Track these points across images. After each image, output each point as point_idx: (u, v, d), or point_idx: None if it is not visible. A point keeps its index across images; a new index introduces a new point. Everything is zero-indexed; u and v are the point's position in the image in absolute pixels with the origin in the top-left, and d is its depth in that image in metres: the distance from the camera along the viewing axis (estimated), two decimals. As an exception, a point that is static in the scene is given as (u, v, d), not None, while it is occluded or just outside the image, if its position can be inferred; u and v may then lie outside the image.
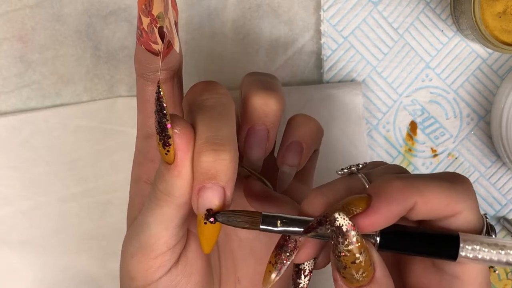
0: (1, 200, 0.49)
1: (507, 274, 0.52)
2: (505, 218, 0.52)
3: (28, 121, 0.48)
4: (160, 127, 0.29)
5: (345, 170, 0.32)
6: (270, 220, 0.30)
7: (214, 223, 0.30)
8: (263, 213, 0.30)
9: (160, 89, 0.28)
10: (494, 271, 0.52)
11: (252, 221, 0.30)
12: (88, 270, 0.50)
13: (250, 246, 0.37)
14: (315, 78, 0.50)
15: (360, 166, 0.32)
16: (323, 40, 0.49)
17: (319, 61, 0.50)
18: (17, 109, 0.49)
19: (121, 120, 0.49)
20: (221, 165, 0.29)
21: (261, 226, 0.30)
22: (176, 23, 0.31)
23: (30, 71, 0.49)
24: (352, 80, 0.50)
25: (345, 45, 0.49)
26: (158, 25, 0.31)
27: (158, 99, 0.28)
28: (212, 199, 0.29)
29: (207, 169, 0.29)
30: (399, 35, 0.49)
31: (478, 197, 0.51)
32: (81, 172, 0.49)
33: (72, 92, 0.49)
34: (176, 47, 0.29)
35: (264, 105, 0.35)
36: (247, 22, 0.49)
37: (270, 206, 0.35)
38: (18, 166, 0.49)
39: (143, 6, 0.31)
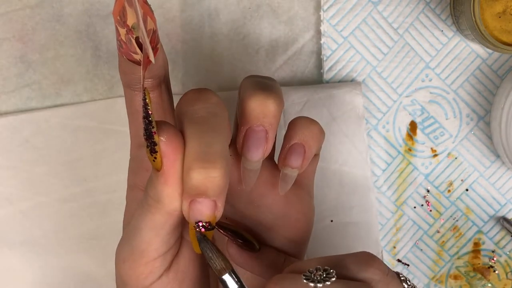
0: (1, 200, 0.49)
1: (506, 274, 0.52)
2: (504, 218, 0.52)
3: (28, 121, 0.48)
4: (146, 134, 0.29)
5: (306, 281, 0.31)
6: (233, 279, 0.31)
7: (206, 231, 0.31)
8: (231, 269, 0.31)
9: (145, 96, 0.28)
10: (494, 271, 0.52)
11: (220, 268, 0.31)
12: (88, 270, 0.50)
13: (247, 257, 0.37)
14: (315, 78, 0.50)
15: (326, 275, 0.31)
16: (323, 40, 0.49)
17: (319, 61, 0.50)
18: (17, 109, 0.49)
19: (121, 120, 0.49)
20: (211, 182, 0.29)
21: (222, 277, 0.31)
22: (155, 31, 0.31)
23: (30, 71, 0.49)
24: (352, 80, 0.50)
25: (345, 45, 0.49)
26: (134, 36, 0.31)
27: (144, 106, 0.29)
28: (203, 212, 0.30)
29: (197, 186, 0.29)
30: (399, 35, 0.49)
31: (478, 197, 0.52)
32: (81, 172, 0.49)
33: (72, 92, 0.49)
34: (152, 59, 0.29)
35: (262, 106, 0.34)
36: (247, 22, 0.49)
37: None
38: (18, 166, 0.49)
39: (118, 17, 0.31)
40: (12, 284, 0.50)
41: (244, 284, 0.32)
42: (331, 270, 0.31)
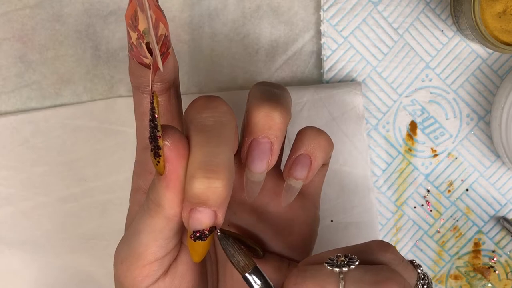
0: (1, 200, 0.49)
1: (507, 274, 0.52)
2: (504, 218, 0.52)
3: (28, 121, 0.48)
4: (151, 137, 0.29)
5: (330, 267, 0.31)
6: (256, 276, 0.31)
7: (205, 241, 0.30)
8: (255, 266, 0.31)
9: (153, 100, 0.28)
10: (494, 271, 0.52)
11: (243, 265, 0.31)
12: (88, 270, 0.50)
13: None
14: (315, 78, 0.50)
15: (348, 260, 0.31)
16: (323, 40, 0.49)
17: (319, 61, 0.50)
18: (17, 109, 0.49)
19: (121, 120, 0.49)
20: (213, 193, 0.29)
21: (245, 275, 0.31)
22: (167, 36, 0.31)
23: (30, 71, 0.49)
24: (352, 80, 0.50)
25: (345, 45, 0.49)
26: (145, 41, 0.31)
27: (151, 109, 0.28)
28: (203, 221, 0.30)
29: (198, 195, 0.29)
30: (399, 35, 0.49)
31: (478, 197, 0.52)
32: (81, 172, 0.49)
33: (72, 92, 0.49)
34: (161, 67, 0.29)
35: (268, 118, 0.34)
36: (247, 22, 0.49)
37: None
38: (18, 166, 0.49)
39: (130, 21, 0.31)
40: (12, 284, 0.50)
41: (268, 280, 0.31)
42: (353, 256, 0.31)
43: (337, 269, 0.30)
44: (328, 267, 0.30)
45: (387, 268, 0.31)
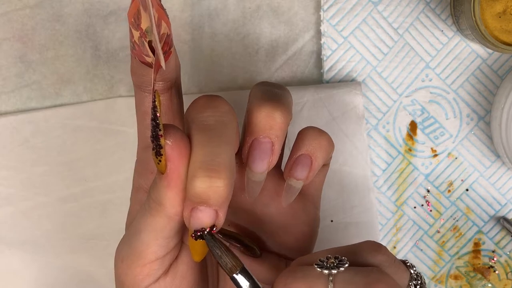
0: (1, 200, 0.49)
1: (507, 274, 0.52)
2: (504, 218, 0.52)
3: (28, 121, 0.48)
4: (153, 136, 0.29)
5: (319, 269, 0.31)
6: (244, 277, 0.31)
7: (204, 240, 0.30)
8: (242, 267, 0.31)
9: (155, 99, 0.28)
10: (494, 271, 0.52)
11: (230, 266, 0.31)
12: (88, 270, 0.50)
13: (249, 262, 0.37)
14: (315, 78, 0.50)
15: (338, 262, 0.31)
16: (323, 40, 0.49)
17: (319, 61, 0.50)
18: (17, 109, 0.49)
19: (121, 120, 0.49)
20: (214, 192, 0.29)
21: (233, 275, 0.31)
22: (169, 35, 0.31)
23: (30, 71, 0.49)
24: (352, 80, 0.50)
25: (345, 45, 0.49)
26: (147, 39, 0.31)
27: (153, 108, 0.28)
28: (204, 220, 0.30)
29: (200, 194, 0.29)
30: (399, 35, 0.49)
31: (478, 197, 0.52)
32: (81, 172, 0.49)
33: (72, 92, 0.49)
34: (163, 65, 0.29)
35: (269, 118, 0.34)
36: (247, 22, 0.49)
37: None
38: (18, 166, 0.49)
39: (132, 20, 0.31)
40: (12, 284, 0.50)
41: (256, 281, 0.31)
42: (343, 258, 0.31)
43: (326, 271, 0.30)
44: (318, 269, 0.30)
45: (377, 270, 0.31)
